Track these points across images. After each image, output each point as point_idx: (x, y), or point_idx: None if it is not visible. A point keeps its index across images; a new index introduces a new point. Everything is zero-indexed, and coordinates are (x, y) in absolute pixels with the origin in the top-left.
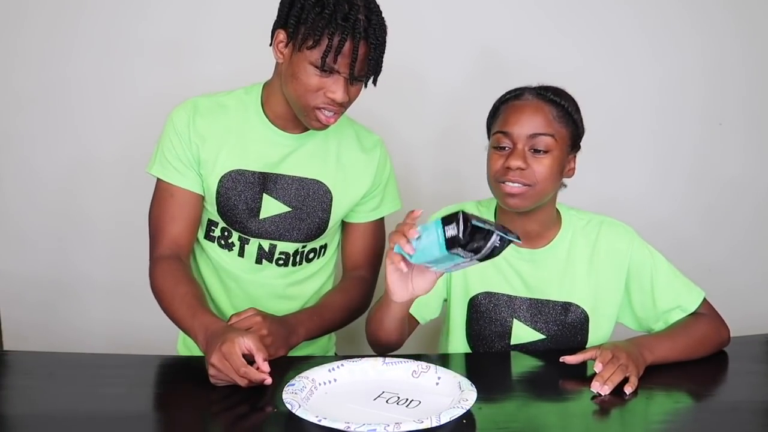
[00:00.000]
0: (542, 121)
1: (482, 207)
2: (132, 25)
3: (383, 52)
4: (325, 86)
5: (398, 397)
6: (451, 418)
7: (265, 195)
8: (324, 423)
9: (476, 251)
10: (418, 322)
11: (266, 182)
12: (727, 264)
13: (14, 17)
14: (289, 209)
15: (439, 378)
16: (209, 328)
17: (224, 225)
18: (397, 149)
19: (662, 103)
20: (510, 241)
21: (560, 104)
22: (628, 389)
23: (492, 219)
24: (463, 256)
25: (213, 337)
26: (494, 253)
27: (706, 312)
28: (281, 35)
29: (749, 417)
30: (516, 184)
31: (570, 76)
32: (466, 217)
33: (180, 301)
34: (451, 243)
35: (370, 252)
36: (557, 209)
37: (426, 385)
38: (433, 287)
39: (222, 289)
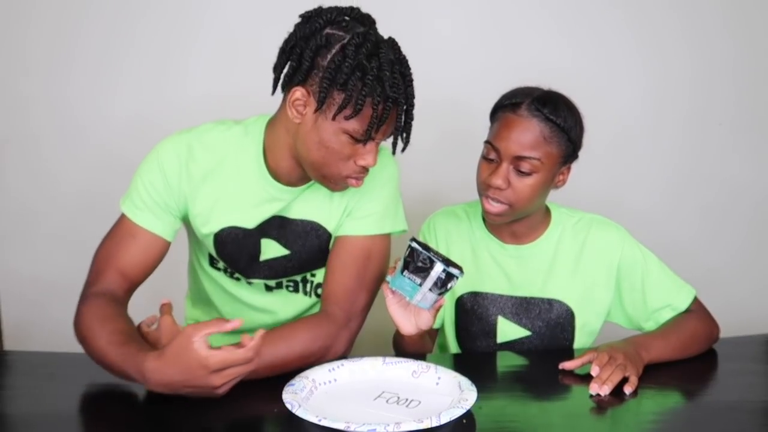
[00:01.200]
0: (531, 142)
1: (470, 209)
2: (130, 31)
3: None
4: (356, 153)
5: (398, 397)
6: (451, 418)
7: (263, 240)
8: (324, 423)
9: (422, 277)
10: (437, 330)
11: (264, 228)
12: (726, 264)
13: (18, 20)
14: (288, 252)
15: (439, 378)
16: (146, 363)
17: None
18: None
19: (662, 104)
20: (453, 276)
21: (555, 123)
22: (628, 389)
23: (480, 221)
24: (411, 281)
25: (159, 368)
26: (441, 285)
27: (696, 309)
28: (298, 93)
29: (748, 417)
30: (494, 202)
31: (569, 76)
32: (417, 243)
33: (107, 342)
34: (404, 266)
35: (347, 280)
36: (548, 207)
37: (426, 385)
38: (433, 321)
39: (232, 307)
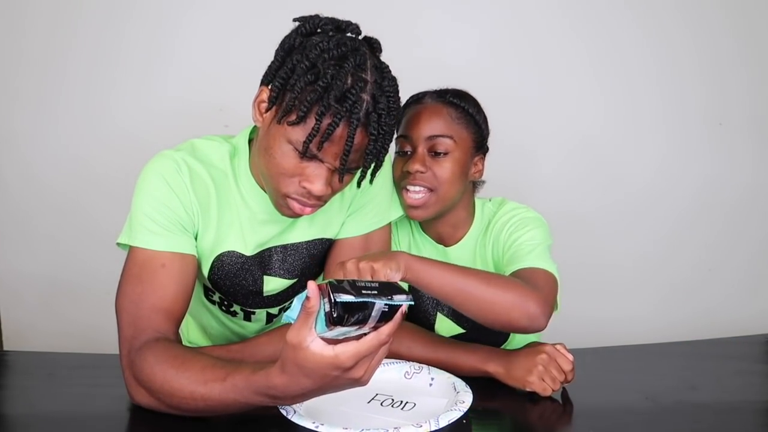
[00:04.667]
0: (441, 123)
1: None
2: (129, 33)
3: (388, 143)
4: (302, 173)
5: (392, 399)
6: (450, 421)
7: (265, 277)
8: (321, 429)
9: (361, 323)
10: None
11: (264, 261)
12: (727, 264)
13: (17, 19)
14: (294, 280)
15: (432, 379)
16: (272, 381)
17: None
18: None
19: (663, 105)
20: (397, 306)
21: (460, 106)
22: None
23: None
24: (350, 329)
25: (294, 376)
26: (387, 316)
27: (535, 282)
28: (264, 94)
29: (749, 417)
30: (417, 188)
31: (568, 77)
32: (336, 292)
33: (202, 383)
34: (328, 320)
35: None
36: (474, 203)
37: (419, 387)
38: None
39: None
